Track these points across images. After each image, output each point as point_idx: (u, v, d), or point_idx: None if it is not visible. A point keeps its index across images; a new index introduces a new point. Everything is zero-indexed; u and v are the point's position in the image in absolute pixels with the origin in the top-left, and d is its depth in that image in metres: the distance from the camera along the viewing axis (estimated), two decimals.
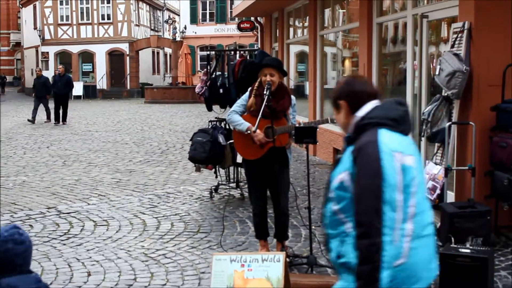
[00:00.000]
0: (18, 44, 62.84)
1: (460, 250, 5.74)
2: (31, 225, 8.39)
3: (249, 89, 6.69)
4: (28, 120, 23.85)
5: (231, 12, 39.16)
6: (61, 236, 7.90)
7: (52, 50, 48.24)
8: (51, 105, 23.67)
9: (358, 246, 2.92)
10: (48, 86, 24.23)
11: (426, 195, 3.18)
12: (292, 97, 6.76)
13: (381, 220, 2.89)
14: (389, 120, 3.08)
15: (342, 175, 3.08)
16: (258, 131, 6.36)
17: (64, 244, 7.52)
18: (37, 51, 49.97)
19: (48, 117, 24.02)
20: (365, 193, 2.94)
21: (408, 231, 2.98)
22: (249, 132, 6.41)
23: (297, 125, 6.55)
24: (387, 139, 3.01)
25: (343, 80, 3.38)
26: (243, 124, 6.46)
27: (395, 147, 3.00)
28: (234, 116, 6.57)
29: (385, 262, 2.87)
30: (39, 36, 48.27)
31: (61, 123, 23.21)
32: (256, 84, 6.58)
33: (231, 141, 7.45)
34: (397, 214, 2.93)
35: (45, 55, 48.25)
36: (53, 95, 23.87)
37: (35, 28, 49.71)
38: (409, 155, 3.05)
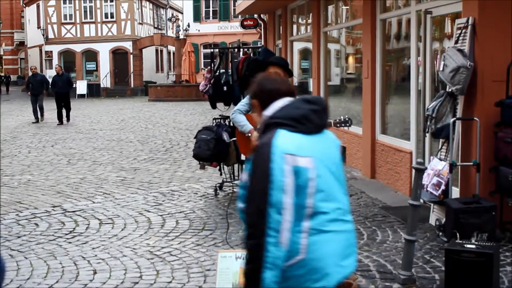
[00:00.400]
0: (21, 44, 62.98)
1: (465, 245, 5.74)
2: (36, 224, 8.41)
3: None
4: (33, 122, 23.69)
5: (234, 9, 39.14)
6: (66, 234, 7.91)
7: (55, 49, 48.32)
8: (47, 105, 23.76)
9: (246, 246, 3.01)
10: (45, 83, 24.39)
11: (338, 192, 3.20)
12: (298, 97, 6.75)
13: (265, 222, 2.93)
14: (289, 120, 3.09)
15: (245, 174, 3.15)
16: (255, 133, 6.37)
17: (70, 243, 7.54)
18: (40, 50, 50.08)
19: (36, 117, 23.86)
20: (254, 195, 3.00)
21: (305, 229, 3.03)
22: (249, 135, 6.45)
23: None
24: (282, 140, 3.03)
25: (257, 79, 3.40)
26: (246, 126, 6.50)
27: (287, 149, 3.00)
28: (238, 116, 6.59)
29: (268, 263, 2.92)
30: (43, 35, 48.36)
31: (65, 122, 23.19)
32: None
33: (234, 138, 7.46)
34: (284, 216, 2.95)
35: (49, 54, 48.37)
36: (54, 95, 23.90)
37: (38, 27, 49.80)
38: (305, 157, 3.04)
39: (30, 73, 25.18)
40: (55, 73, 24.57)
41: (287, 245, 2.97)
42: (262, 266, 2.91)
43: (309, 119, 3.13)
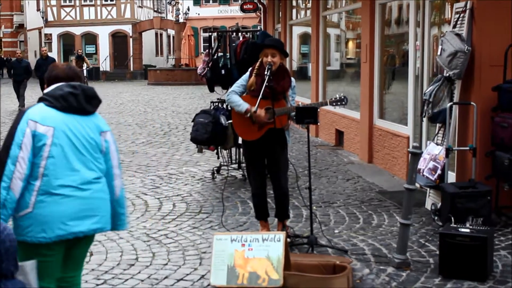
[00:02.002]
0: (21, 26, 62.66)
1: (460, 229, 5.76)
2: None
3: (249, 69, 6.69)
4: (20, 109, 22.23)
5: None
6: None
7: (55, 31, 48.17)
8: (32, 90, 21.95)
9: None
10: (30, 71, 22.27)
11: (78, 165, 3.87)
12: (292, 78, 6.74)
13: (3, 170, 3.68)
14: (49, 97, 3.88)
15: None
16: (259, 110, 6.35)
17: None
18: (40, 32, 49.92)
19: (22, 105, 21.36)
20: (1, 148, 3.76)
21: (36, 187, 3.75)
22: (248, 114, 6.40)
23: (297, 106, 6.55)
24: (33, 110, 3.82)
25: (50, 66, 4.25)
26: (242, 105, 6.45)
27: (33, 117, 3.77)
28: (233, 96, 6.56)
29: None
30: (42, 17, 48.20)
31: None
32: (257, 65, 6.57)
33: (230, 121, 7.44)
34: (17, 167, 3.69)
35: (48, 36, 48.20)
36: (38, 80, 22.13)
37: (38, 9, 49.62)
38: (46, 126, 3.77)
39: (16, 57, 23.01)
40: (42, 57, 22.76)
41: (18, 192, 3.70)
42: None
43: (66, 100, 3.86)
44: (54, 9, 48.21)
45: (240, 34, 10.71)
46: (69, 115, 3.88)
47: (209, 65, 10.44)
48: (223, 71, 10.23)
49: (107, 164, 4.09)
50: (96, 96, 4.03)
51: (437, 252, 5.96)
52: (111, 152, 4.12)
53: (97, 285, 5.64)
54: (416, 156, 6.00)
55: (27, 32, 55.23)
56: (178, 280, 5.72)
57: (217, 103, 10.05)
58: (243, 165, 10.17)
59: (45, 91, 3.98)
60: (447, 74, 7.47)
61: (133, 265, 6.12)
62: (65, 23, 48.05)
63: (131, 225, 7.44)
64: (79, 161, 3.88)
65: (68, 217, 3.80)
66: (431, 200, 7.68)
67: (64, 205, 3.79)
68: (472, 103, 7.34)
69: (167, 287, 5.57)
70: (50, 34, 48.25)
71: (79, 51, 22.84)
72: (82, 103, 3.92)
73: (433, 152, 7.51)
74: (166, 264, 6.13)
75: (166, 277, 5.78)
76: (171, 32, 50.79)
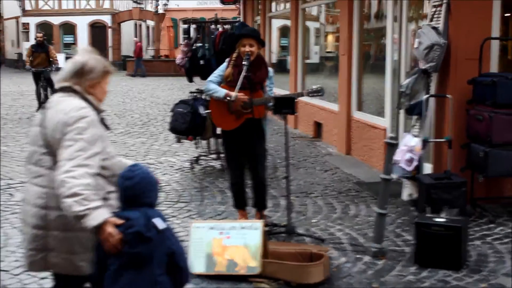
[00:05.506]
0: None
1: (435, 219, 5.86)
2: (11, 194, 8.41)
3: (226, 60, 6.72)
4: None
5: None
6: None
7: (33, 21, 47.65)
8: None
9: None
10: None
11: None
12: (270, 68, 6.79)
13: None
14: None
15: None
16: (238, 93, 6.36)
17: None
18: (17, 22, 49.39)
19: None
20: None
21: None
22: (228, 98, 6.40)
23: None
24: None
25: None
26: (220, 91, 6.47)
27: None
28: (211, 85, 6.59)
29: None
30: (20, 6, 47.65)
31: None
32: (234, 55, 6.61)
33: (208, 111, 7.46)
34: None
35: (26, 26, 47.70)
36: None
37: None
38: None
39: None
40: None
41: None
42: None
43: None
44: None
45: (219, 25, 10.72)
46: None
47: (188, 55, 10.45)
48: (201, 62, 10.25)
49: None
50: None
51: (413, 242, 6.06)
52: None
53: None
54: (392, 146, 6.09)
55: (3, 21, 54.64)
56: None
57: (196, 94, 10.07)
58: (222, 155, 10.21)
59: None
60: (424, 67, 7.55)
61: None
62: (43, 13, 47.59)
63: None
64: None
65: None
66: (408, 191, 7.77)
67: None
68: (448, 95, 7.44)
69: None
70: (28, 24, 47.74)
71: (38, 35, 18.97)
72: None
73: (409, 143, 7.58)
74: None
75: None
76: (150, 23, 50.50)
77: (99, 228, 3.30)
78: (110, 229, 3.31)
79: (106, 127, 3.74)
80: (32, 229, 3.63)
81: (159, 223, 3.41)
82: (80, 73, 3.68)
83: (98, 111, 3.69)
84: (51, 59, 17.82)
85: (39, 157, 3.63)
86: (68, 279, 3.75)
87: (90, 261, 3.54)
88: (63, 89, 3.69)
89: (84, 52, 3.81)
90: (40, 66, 17.68)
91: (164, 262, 3.43)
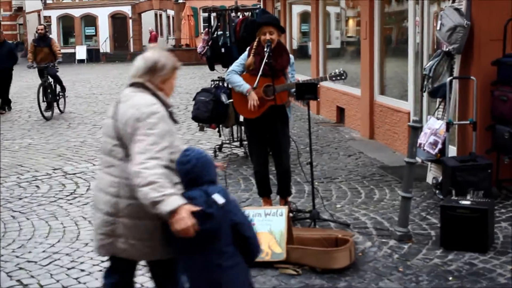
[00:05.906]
0: (20, 9, 62.44)
1: (460, 202, 5.82)
2: (37, 186, 8.50)
3: (247, 48, 6.71)
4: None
5: None
6: (67, 196, 8.01)
7: (54, 14, 48.00)
8: None
9: None
10: (15, 57, 17.50)
11: None
12: (291, 55, 6.76)
13: None
14: None
15: None
16: (253, 93, 6.39)
17: (71, 204, 7.64)
18: (39, 15, 49.74)
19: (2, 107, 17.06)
20: None
21: None
22: (247, 94, 6.44)
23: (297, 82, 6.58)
24: None
25: None
26: (243, 86, 6.47)
27: None
28: (234, 76, 6.57)
29: None
30: (41, 0, 47.99)
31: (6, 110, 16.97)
32: (255, 43, 6.59)
33: (231, 100, 7.47)
34: None
35: (47, 19, 48.00)
36: None
37: None
38: None
39: None
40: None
41: None
42: None
43: None
44: None
45: (239, 12, 10.70)
46: None
47: (209, 43, 10.45)
48: (223, 50, 10.24)
49: None
50: None
51: (439, 225, 6.03)
52: None
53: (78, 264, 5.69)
54: (416, 130, 6.05)
55: (26, 15, 55.06)
56: None
57: (217, 82, 10.07)
58: (245, 142, 10.22)
59: None
60: (447, 49, 7.48)
61: None
62: (64, 5, 47.89)
63: None
64: None
65: None
66: (432, 174, 7.74)
67: None
68: (472, 77, 7.37)
69: None
70: (49, 17, 48.04)
71: (39, 28, 16.86)
72: None
73: (433, 126, 7.54)
74: None
75: None
76: (171, 12, 50.58)
77: (173, 213, 3.41)
78: (184, 214, 3.41)
79: (175, 121, 3.83)
80: (104, 215, 3.78)
81: (218, 199, 3.53)
82: (153, 70, 3.81)
83: (167, 106, 3.78)
84: (54, 53, 16.02)
85: (111, 148, 3.76)
86: (133, 264, 3.98)
87: (155, 248, 3.72)
88: (134, 84, 3.81)
89: (154, 50, 3.96)
90: (43, 61, 15.94)
91: (229, 234, 3.57)
